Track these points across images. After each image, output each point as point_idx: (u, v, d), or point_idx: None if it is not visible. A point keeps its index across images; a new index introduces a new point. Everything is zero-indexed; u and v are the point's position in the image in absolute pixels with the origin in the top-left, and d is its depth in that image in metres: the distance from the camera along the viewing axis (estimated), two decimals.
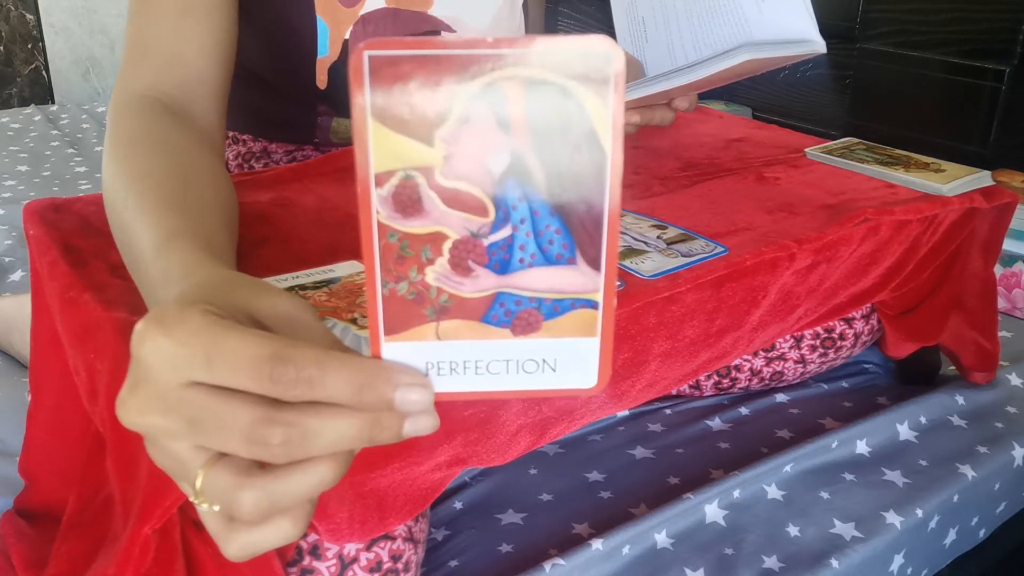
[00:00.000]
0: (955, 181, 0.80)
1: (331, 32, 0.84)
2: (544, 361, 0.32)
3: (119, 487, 0.52)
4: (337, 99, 0.89)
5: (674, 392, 0.92)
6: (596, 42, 0.27)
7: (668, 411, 0.90)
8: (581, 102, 0.28)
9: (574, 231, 0.30)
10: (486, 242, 0.30)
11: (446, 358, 0.32)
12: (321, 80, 0.87)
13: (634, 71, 0.89)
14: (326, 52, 0.85)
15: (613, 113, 0.28)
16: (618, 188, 0.29)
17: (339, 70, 0.86)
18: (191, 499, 0.33)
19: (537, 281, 0.31)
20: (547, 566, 0.65)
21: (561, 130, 0.28)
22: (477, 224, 0.30)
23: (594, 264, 0.31)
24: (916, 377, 0.96)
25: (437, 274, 0.31)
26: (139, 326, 0.32)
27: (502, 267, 0.31)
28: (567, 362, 0.32)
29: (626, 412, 0.89)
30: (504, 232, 0.30)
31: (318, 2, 0.82)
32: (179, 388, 0.31)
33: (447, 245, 0.30)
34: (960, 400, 0.90)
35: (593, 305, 0.31)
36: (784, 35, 0.76)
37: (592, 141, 0.29)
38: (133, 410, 0.32)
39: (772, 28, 0.76)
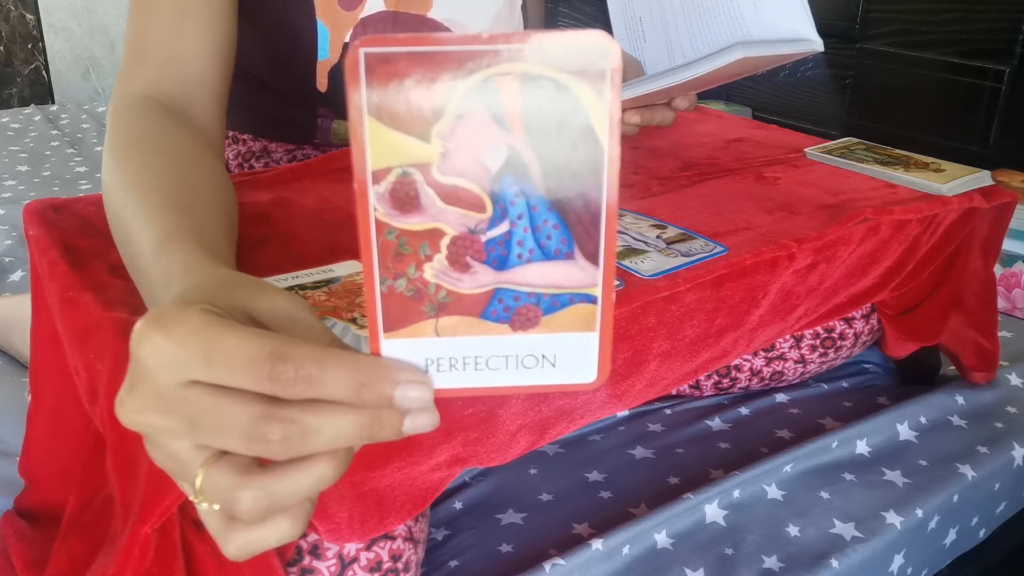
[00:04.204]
0: (955, 181, 0.80)
1: (331, 35, 0.84)
2: (543, 356, 0.32)
3: (119, 487, 0.52)
4: (338, 101, 0.89)
5: (674, 392, 0.92)
6: (592, 36, 0.27)
7: (668, 411, 0.90)
8: (577, 97, 0.28)
9: (572, 226, 0.30)
10: (484, 238, 0.30)
11: (445, 354, 0.32)
12: (321, 83, 0.87)
13: (634, 71, 0.89)
14: (326, 55, 0.85)
15: (609, 107, 0.28)
16: (615, 182, 0.29)
17: (339, 73, 0.86)
18: (191, 498, 0.33)
19: (535, 276, 0.31)
20: (547, 566, 0.65)
21: (557, 125, 0.28)
22: (475, 220, 0.30)
23: (592, 259, 0.31)
24: (916, 377, 0.96)
25: (435, 271, 0.31)
26: (138, 326, 0.32)
27: (500, 263, 0.31)
28: (567, 357, 0.32)
29: (626, 412, 0.89)
30: (502, 228, 0.30)
31: (318, 5, 0.82)
32: (178, 387, 0.31)
33: (445, 242, 0.30)
34: (960, 400, 0.90)
35: (592, 300, 0.31)
36: (781, 34, 0.76)
37: (589, 136, 0.28)
38: (132, 410, 0.32)
39: (769, 27, 0.76)
